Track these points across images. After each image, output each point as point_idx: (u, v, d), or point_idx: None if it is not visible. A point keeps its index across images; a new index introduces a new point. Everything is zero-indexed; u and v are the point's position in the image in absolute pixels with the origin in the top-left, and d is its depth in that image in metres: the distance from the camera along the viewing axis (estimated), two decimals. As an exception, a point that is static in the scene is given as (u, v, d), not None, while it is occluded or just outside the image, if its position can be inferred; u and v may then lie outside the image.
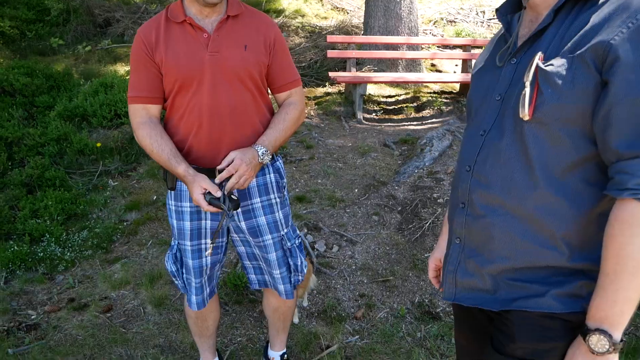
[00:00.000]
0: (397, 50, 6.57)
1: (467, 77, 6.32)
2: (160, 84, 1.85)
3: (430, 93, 6.79)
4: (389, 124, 6.09)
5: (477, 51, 6.89)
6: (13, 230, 3.70)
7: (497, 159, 1.17)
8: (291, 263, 2.11)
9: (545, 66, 1.06)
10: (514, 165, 1.14)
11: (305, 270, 2.18)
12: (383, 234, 3.68)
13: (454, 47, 7.79)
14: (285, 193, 2.08)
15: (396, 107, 6.54)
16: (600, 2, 1.06)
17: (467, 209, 1.25)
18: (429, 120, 6.10)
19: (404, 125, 5.91)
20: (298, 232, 2.09)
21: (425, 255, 3.45)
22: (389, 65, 6.90)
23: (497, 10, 1.29)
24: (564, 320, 1.14)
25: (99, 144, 4.68)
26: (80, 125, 5.03)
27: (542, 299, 1.15)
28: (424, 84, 6.79)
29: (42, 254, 3.44)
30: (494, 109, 1.21)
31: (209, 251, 1.95)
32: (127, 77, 6.22)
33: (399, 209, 3.98)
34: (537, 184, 1.11)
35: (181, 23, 1.81)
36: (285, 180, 2.09)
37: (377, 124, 6.05)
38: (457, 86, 6.74)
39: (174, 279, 2.11)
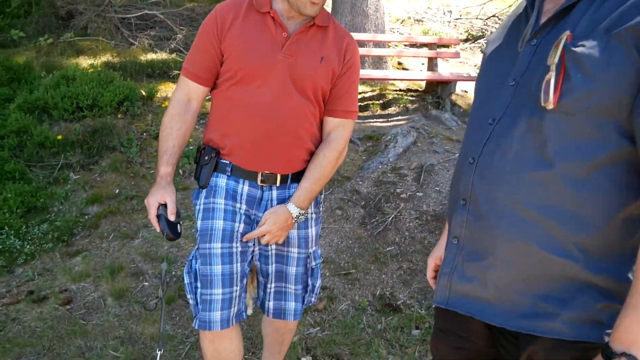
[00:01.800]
0: (364, 47, 6.63)
1: (433, 75, 6.41)
2: (216, 67, 1.74)
3: (396, 90, 6.87)
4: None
5: (443, 50, 7.00)
6: (-30, 223, 3.61)
7: (506, 151, 1.03)
8: (309, 283, 1.96)
9: (575, 47, 0.92)
10: (527, 158, 1.00)
11: (318, 293, 2.03)
12: (346, 227, 3.72)
13: (421, 45, 7.90)
14: (321, 209, 1.96)
15: (362, 104, 6.60)
16: None
17: (468, 207, 1.11)
18: (395, 118, 6.17)
19: (370, 122, 5.97)
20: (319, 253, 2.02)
21: (387, 249, 3.51)
22: (356, 62, 6.93)
23: None
24: (579, 350, 0.99)
25: (59, 137, 4.59)
26: (41, 118, 4.92)
27: (553, 323, 1.00)
28: (390, 82, 6.87)
29: (0, 246, 3.38)
30: (506, 95, 1.07)
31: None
32: (89, 70, 6.12)
33: (363, 203, 4.03)
34: (554, 182, 0.98)
35: (264, 14, 1.68)
36: (322, 195, 1.97)
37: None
38: (422, 84, 6.84)
39: (187, 295, 1.83)
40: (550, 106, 0.94)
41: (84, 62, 7.00)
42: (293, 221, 1.77)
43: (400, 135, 4.96)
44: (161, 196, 1.70)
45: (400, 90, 6.84)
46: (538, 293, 1.02)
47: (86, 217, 3.83)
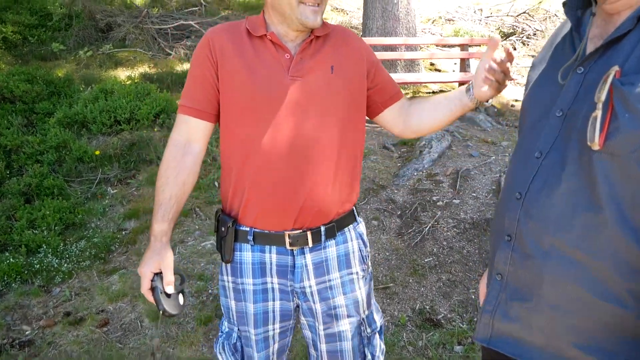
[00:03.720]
0: (396, 51, 6.54)
1: (465, 76, 6.30)
2: (217, 98, 1.50)
3: (429, 93, 6.76)
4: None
5: (475, 50, 6.85)
6: (9, 242, 3.69)
7: (555, 190, 0.98)
8: (367, 353, 1.64)
9: (623, 85, 0.87)
10: (577, 199, 0.95)
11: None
12: (383, 239, 3.66)
13: (452, 46, 7.76)
14: (369, 264, 1.68)
15: (396, 108, 6.52)
16: None
17: (513, 243, 1.06)
18: (430, 121, 6.06)
19: (404, 126, 5.88)
20: (381, 312, 1.74)
21: (425, 260, 3.44)
22: (388, 66, 6.87)
23: (564, 3, 1.09)
24: None
25: (97, 152, 4.69)
26: (80, 132, 5.05)
27: None
28: (423, 84, 6.76)
29: (38, 265, 3.43)
30: (553, 127, 1.02)
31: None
32: (127, 82, 6.24)
33: (399, 212, 3.96)
34: (605, 225, 0.92)
35: (261, 38, 1.49)
36: (368, 248, 1.68)
37: (376, 125, 6.03)
38: (455, 85, 6.71)
39: None
40: (596, 147, 0.89)
41: (122, 73, 7.16)
42: None
43: (434, 140, 4.87)
44: (155, 264, 1.45)
45: (433, 92, 6.72)
46: (584, 343, 0.97)
47: (124, 232, 3.88)
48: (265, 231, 1.49)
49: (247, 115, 1.45)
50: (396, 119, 1.65)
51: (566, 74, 1.03)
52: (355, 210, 1.63)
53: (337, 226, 1.54)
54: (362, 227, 1.66)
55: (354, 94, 1.54)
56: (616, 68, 0.89)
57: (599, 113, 0.88)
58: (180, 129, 1.52)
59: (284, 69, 1.46)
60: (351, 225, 1.60)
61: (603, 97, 0.88)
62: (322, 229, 1.51)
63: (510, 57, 1.29)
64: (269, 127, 1.43)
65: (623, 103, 0.87)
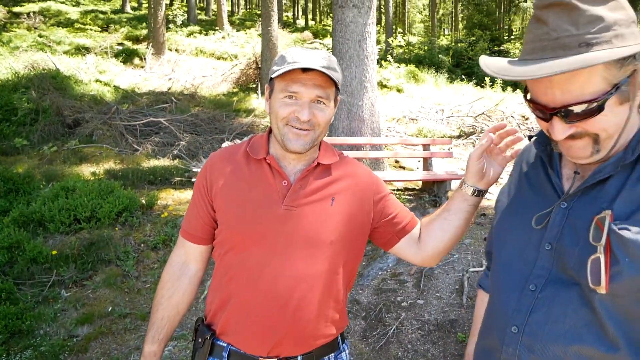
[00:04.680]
0: (361, 150, 6.73)
1: (428, 174, 6.50)
2: (211, 224, 1.49)
3: (394, 190, 6.89)
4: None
5: (437, 150, 7.11)
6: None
7: (559, 325, 0.99)
8: None
9: (620, 230, 0.91)
10: (587, 338, 0.96)
11: None
12: (347, 343, 3.55)
13: (415, 145, 8.04)
14: None
15: (361, 205, 6.60)
16: None
17: None
18: (394, 218, 6.13)
19: (369, 223, 5.92)
20: None
21: (390, 365, 3.32)
22: (354, 163, 7.04)
23: (534, 139, 1.16)
24: None
25: (54, 252, 4.53)
26: (36, 231, 4.89)
27: None
28: (388, 182, 6.90)
29: (-23, 380, 3.17)
30: (544, 260, 1.04)
31: None
32: (90, 179, 6.18)
33: (363, 314, 3.88)
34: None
35: (260, 161, 1.46)
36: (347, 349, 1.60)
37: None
38: (419, 183, 6.88)
39: None
40: (603, 291, 0.91)
41: (87, 169, 7.10)
42: None
43: (399, 239, 4.88)
44: None
45: (398, 189, 6.86)
46: None
47: (75, 339, 3.65)
48: (242, 351, 1.42)
49: (236, 246, 1.42)
50: (413, 247, 1.58)
51: (542, 219, 1.07)
52: (340, 338, 1.53)
53: (315, 356, 1.45)
54: (345, 354, 1.56)
55: (353, 231, 1.47)
56: (609, 212, 0.93)
57: (601, 258, 0.91)
58: (179, 250, 1.56)
59: (279, 198, 1.41)
60: (332, 354, 1.49)
61: (603, 241, 0.91)
62: (299, 358, 1.43)
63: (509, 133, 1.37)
64: (257, 260, 1.39)
65: (622, 247, 0.90)
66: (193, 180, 6.44)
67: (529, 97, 1.02)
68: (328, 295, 1.44)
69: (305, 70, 1.36)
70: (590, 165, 1.04)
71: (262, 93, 12.18)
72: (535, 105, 1.00)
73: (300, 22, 31.75)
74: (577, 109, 0.93)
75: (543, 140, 1.14)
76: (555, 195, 1.08)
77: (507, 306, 1.08)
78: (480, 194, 1.45)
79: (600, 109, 0.92)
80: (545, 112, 0.97)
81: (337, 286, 1.46)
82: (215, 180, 1.46)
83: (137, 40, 18.68)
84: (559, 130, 0.96)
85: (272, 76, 1.41)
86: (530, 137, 1.19)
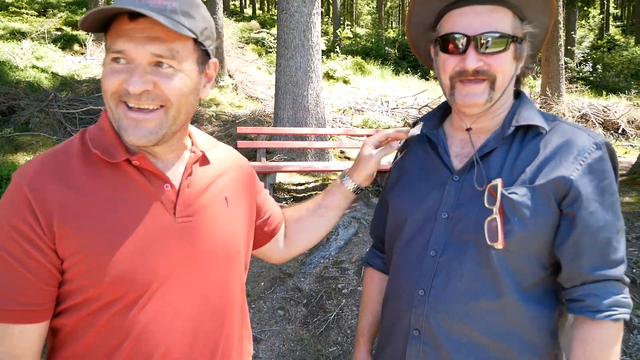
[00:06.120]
0: (306, 140, 6.80)
1: (372, 165, 6.62)
2: (52, 285, 0.95)
3: (339, 180, 7.00)
4: (299, 212, 6.16)
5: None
6: None
7: (458, 284, 1.12)
8: None
9: (510, 194, 1.08)
10: (480, 290, 1.11)
11: None
12: (288, 329, 3.62)
13: (360, 136, 8.18)
14: None
15: (306, 194, 6.67)
16: (542, 132, 1.13)
17: (423, 337, 1.16)
18: (338, 208, 6.23)
19: (313, 213, 6.00)
20: None
21: (330, 349, 3.42)
22: (299, 154, 7.10)
23: (421, 124, 1.30)
24: None
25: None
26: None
27: None
28: (333, 172, 7.01)
29: None
30: (441, 228, 1.17)
31: None
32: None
33: (305, 301, 3.96)
34: (504, 310, 1.10)
35: (117, 165, 0.99)
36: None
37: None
38: (364, 173, 7.01)
39: None
40: (499, 246, 1.06)
41: (23, 158, 6.85)
42: None
43: (341, 228, 4.99)
44: None
45: (343, 179, 6.98)
46: None
47: None
48: None
49: (117, 300, 0.96)
50: (279, 247, 1.40)
51: (438, 193, 1.20)
52: None
53: None
54: None
55: (249, 234, 1.21)
56: (499, 180, 1.09)
57: (497, 218, 1.06)
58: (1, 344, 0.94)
59: (168, 210, 1.01)
60: None
61: (497, 204, 1.07)
62: None
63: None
64: (152, 311, 0.98)
65: (512, 209, 1.07)
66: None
67: (442, 34, 1.15)
68: (242, 324, 1.18)
69: (133, 16, 0.92)
70: (476, 138, 1.20)
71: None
72: (452, 40, 1.13)
73: (248, 11, 31.41)
74: (491, 38, 1.09)
75: (432, 125, 1.29)
76: (448, 171, 1.21)
77: (414, 273, 1.19)
78: (360, 191, 1.43)
79: (505, 48, 1.10)
80: (463, 41, 1.11)
81: (246, 309, 1.20)
82: (52, 213, 0.92)
83: (76, 25, 17.99)
84: (472, 59, 1.10)
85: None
86: (414, 124, 1.34)
